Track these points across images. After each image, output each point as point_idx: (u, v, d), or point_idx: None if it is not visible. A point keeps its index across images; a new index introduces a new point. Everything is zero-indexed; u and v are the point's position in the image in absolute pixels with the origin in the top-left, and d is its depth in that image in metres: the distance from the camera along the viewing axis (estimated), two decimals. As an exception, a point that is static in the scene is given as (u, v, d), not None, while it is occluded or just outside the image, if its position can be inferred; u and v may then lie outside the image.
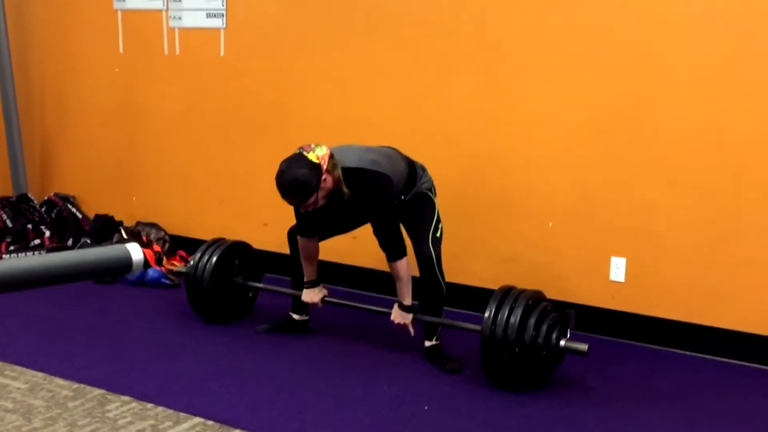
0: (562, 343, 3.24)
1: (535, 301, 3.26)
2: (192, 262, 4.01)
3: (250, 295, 4.19)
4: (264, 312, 4.17)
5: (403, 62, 4.35)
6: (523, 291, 3.30)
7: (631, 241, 3.89)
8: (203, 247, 4.05)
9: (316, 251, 3.68)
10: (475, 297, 4.06)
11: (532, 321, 3.19)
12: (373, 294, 4.47)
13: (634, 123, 3.82)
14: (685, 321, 3.83)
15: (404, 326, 3.52)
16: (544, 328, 3.21)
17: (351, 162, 3.33)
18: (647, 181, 3.82)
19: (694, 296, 3.80)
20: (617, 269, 3.94)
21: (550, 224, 4.07)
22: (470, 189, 4.26)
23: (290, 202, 3.27)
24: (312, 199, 3.23)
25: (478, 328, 3.26)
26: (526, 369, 3.22)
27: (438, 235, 3.55)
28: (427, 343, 3.64)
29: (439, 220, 3.57)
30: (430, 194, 3.63)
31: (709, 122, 3.66)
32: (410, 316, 3.50)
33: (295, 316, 3.94)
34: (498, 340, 3.17)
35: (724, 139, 3.64)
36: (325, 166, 3.21)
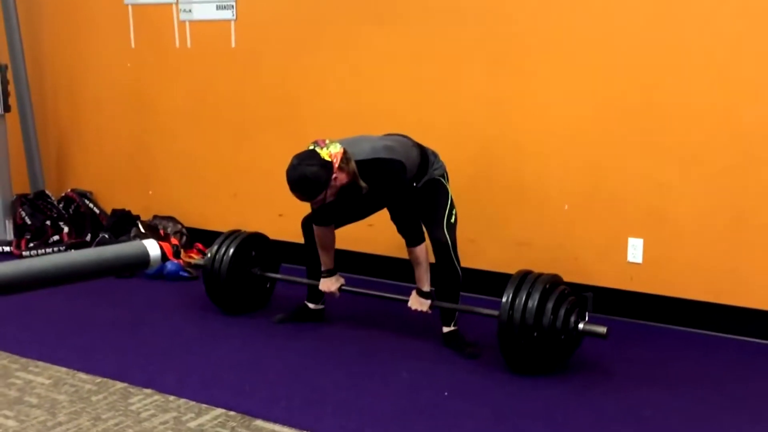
0: (581, 326, 3.24)
1: (552, 284, 3.26)
2: (209, 255, 4.03)
3: (268, 285, 4.21)
4: (281, 302, 4.18)
5: (414, 50, 4.34)
6: (540, 275, 3.30)
7: (648, 221, 3.88)
8: (220, 239, 4.07)
9: (333, 240, 3.69)
10: (491, 282, 4.06)
11: (550, 305, 3.18)
12: (389, 281, 4.48)
13: (647, 104, 3.79)
14: (705, 300, 3.82)
15: (421, 311, 3.52)
16: (562, 311, 3.20)
17: (364, 154, 3.34)
18: (662, 161, 3.80)
19: (712, 275, 3.78)
20: (635, 250, 3.92)
21: (566, 207, 4.06)
22: (484, 174, 4.25)
23: (298, 198, 3.29)
24: (320, 197, 3.24)
25: (495, 313, 3.26)
26: (545, 353, 3.22)
27: (452, 220, 3.55)
28: (445, 329, 3.64)
29: (453, 206, 3.57)
30: (443, 180, 3.63)
31: (722, 101, 3.63)
32: (428, 302, 3.51)
33: (311, 305, 3.96)
34: (516, 325, 3.17)
35: (738, 118, 3.61)
36: (337, 164, 3.22)
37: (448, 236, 3.50)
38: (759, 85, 3.55)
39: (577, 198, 4.03)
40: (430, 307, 3.52)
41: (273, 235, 4.29)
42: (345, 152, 3.27)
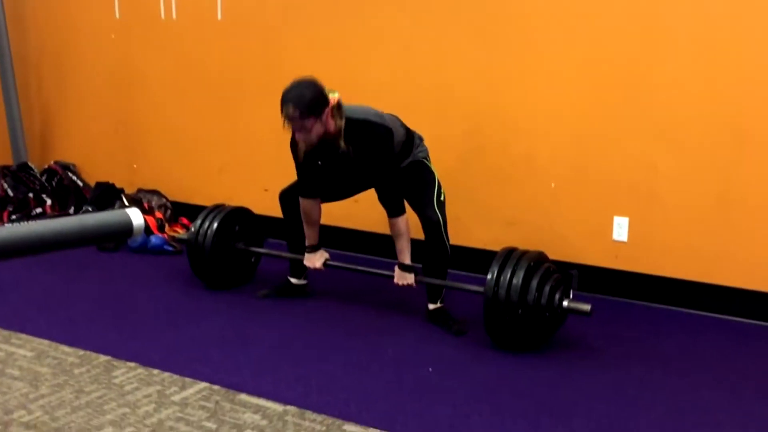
0: (565, 303, 3.24)
1: (537, 262, 3.26)
2: (193, 229, 4.00)
3: (253, 260, 4.19)
4: (267, 277, 4.17)
5: (402, 24, 4.30)
6: (525, 252, 3.29)
7: (634, 200, 3.88)
8: (203, 214, 4.04)
9: (318, 214, 3.67)
10: (478, 259, 4.06)
11: (534, 282, 3.18)
12: (374, 257, 4.48)
13: (634, 83, 3.78)
14: (689, 279, 3.84)
15: (406, 285, 3.51)
16: (547, 289, 3.20)
17: (356, 114, 3.34)
18: (649, 140, 3.79)
19: (697, 254, 3.80)
20: (620, 229, 3.93)
21: (552, 185, 4.06)
22: (471, 152, 4.24)
23: (287, 115, 3.20)
24: (309, 123, 3.19)
25: (481, 289, 3.26)
26: (530, 330, 3.23)
27: (442, 198, 3.55)
28: (431, 306, 3.64)
29: (440, 185, 3.57)
30: (427, 162, 3.63)
31: (709, 81, 3.63)
32: (412, 275, 3.50)
33: (294, 280, 3.94)
34: (501, 302, 3.17)
35: (725, 98, 3.61)
36: (331, 105, 3.22)
37: (439, 214, 3.49)
38: (747, 64, 3.54)
39: (563, 177, 4.03)
40: (416, 281, 3.51)
41: (258, 210, 4.27)
42: (340, 103, 3.27)
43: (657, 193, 3.82)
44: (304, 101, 3.16)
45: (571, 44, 3.90)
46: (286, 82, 4.68)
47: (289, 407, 2.78)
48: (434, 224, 3.48)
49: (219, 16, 4.86)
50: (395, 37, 4.34)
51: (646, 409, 2.84)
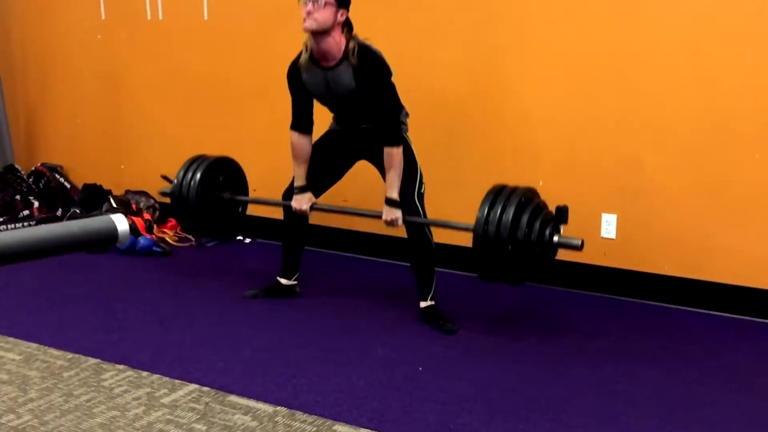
0: (556, 238, 3.19)
1: (527, 198, 3.20)
2: (175, 181, 3.91)
3: (240, 210, 4.10)
4: (255, 277, 4.16)
5: (389, 22, 4.30)
6: (515, 189, 3.23)
7: (622, 197, 3.89)
8: (185, 166, 3.94)
9: (309, 151, 3.66)
10: (466, 258, 4.06)
11: (525, 218, 3.12)
12: (363, 256, 4.47)
13: (620, 79, 3.79)
14: (677, 276, 3.85)
15: (395, 221, 3.47)
16: (537, 224, 3.15)
17: (364, 44, 3.41)
18: (635, 136, 3.81)
19: (685, 250, 3.81)
20: (608, 226, 3.94)
21: (540, 183, 4.06)
22: (458, 149, 4.24)
23: None
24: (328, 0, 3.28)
25: (471, 226, 3.21)
26: (520, 267, 3.18)
27: (422, 191, 3.54)
28: (422, 304, 3.64)
29: (422, 176, 3.55)
30: (409, 143, 3.59)
31: (694, 76, 3.64)
32: (399, 211, 3.46)
33: (283, 281, 3.94)
34: (491, 239, 3.12)
35: (710, 93, 3.62)
36: (347, 18, 3.37)
37: (419, 206, 3.49)
38: (733, 58, 3.55)
39: (551, 174, 4.03)
40: (403, 221, 3.47)
41: (247, 211, 4.25)
42: (356, 35, 3.39)
43: (644, 190, 3.83)
44: None
45: (558, 43, 3.90)
46: (273, 81, 4.69)
47: (279, 408, 2.78)
48: (413, 216, 3.48)
49: (205, 17, 4.84)
50: (383, 37, 4.29)
51: (635, 404, 2.85)
